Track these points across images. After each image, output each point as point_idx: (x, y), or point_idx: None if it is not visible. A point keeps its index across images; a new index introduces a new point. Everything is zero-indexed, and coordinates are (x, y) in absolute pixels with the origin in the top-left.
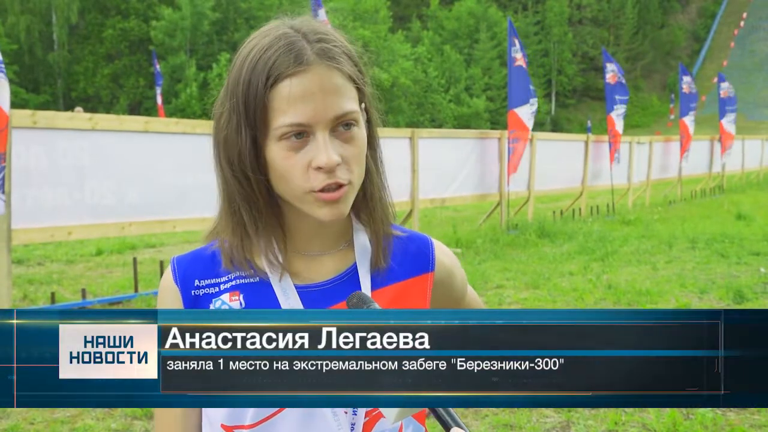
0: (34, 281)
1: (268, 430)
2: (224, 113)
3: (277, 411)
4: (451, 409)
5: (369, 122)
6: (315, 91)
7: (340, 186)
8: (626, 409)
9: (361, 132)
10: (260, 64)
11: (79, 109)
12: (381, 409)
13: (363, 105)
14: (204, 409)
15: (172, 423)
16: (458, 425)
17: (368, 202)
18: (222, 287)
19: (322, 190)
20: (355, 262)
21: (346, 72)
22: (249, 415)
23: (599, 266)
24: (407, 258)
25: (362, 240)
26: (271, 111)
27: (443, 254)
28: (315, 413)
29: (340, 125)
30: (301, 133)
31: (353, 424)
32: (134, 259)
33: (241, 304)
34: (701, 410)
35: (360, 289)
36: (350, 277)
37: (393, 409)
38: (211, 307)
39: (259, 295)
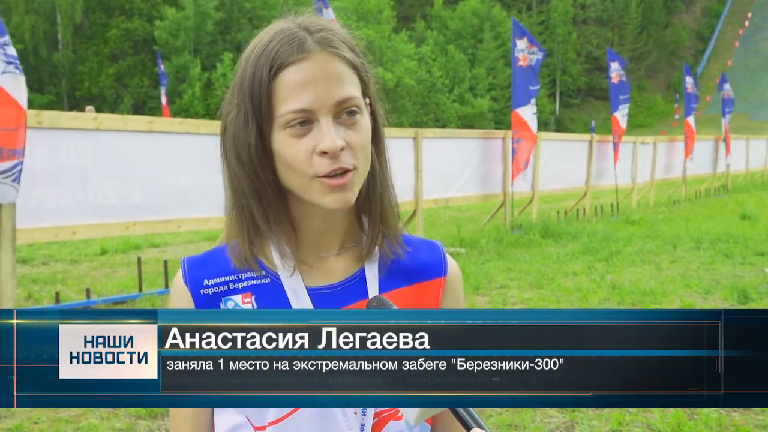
0: (38, 281)
1: (283, 429)
2: (231, 111)
3: (291, 411)
4: (472, 409)
5: (373, 117)
6: (317, 77)
7: (345, 172)
8: (630, 410)
9: (364, 120)
10: (264, 56)
11: (90, 108)
12: (402, 411)
13: (367, 100)
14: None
15: (182, 421)
16: (479, 426)
17: (372, 198)
18: (232, 286)
19: (327, 176)
20: (364, 265)
21: (348, 59)
22: (270, 413)
23: (603, 266)
24: (419, 262)
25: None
26: (275, 99)
27: (453, 262)
28: (328, 414)
29: (344, 112)
30: (306, 121)
31: (363, 425)
32: (138, 259)
33: (253, 306)
34: (705, 410)
35: (368, 291)
36: (359, 280)
37: (413, 411)
38: (222, 306)
39: (270, 296)
